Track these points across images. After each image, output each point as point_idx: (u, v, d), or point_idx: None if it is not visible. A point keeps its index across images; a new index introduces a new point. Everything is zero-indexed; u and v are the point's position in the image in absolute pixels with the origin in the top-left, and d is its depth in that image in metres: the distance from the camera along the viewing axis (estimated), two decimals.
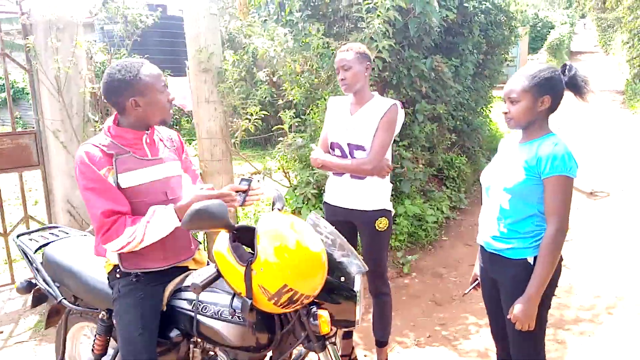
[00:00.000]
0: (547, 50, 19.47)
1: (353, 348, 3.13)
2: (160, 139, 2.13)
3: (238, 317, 1.79)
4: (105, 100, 2.26)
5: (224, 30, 8.88)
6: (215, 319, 1.87)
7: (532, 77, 1.94)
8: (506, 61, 8.08)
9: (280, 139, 4.24)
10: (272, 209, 2.05)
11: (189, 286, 1.90)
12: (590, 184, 7.00)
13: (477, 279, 2.33)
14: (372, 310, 2.93)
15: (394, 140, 4.68)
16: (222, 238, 1.72)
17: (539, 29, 22.90)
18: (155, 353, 1.96)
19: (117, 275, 2.03)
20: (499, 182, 2.04)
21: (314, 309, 1.75)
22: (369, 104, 2.67)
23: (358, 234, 2.86)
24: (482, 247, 2.19)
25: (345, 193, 2.72)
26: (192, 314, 1.91)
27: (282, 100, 4.48)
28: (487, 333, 2.50)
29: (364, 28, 3.93)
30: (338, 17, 4.48)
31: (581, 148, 9.26)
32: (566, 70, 1.98)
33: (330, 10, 4.55)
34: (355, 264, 1.85)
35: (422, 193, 5.44)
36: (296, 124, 4.40)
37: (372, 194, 2.68)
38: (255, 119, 4.11)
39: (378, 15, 3.85)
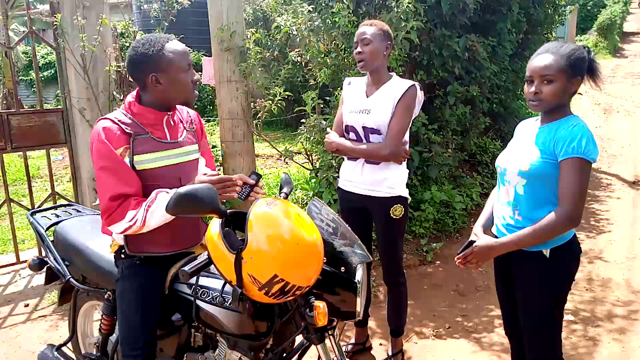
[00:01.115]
0: (596, 30, 18.50)
1: (368, 336, 3.07)
2: (181, 120, 2.06)
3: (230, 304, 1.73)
4: (129, 75, 2.16)
5: (258, 8, 8.82)
6: (213, 304, 1.83)
7: (568, 56, 1.78)
8: (549, 41, 7.68)
9: (303, 120, 4.14)
10: (280, 193, 1.99)
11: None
12: (635, 173, 6.65)
13: (473, 242, 2.02)
14: (387, 299, 2.85)
15: (423, 123, 4.55)
16: (215, 223, 1.66)
17: (589, 8, 21.77)
18: (154, 336, 1.94)
19: (122, 256, 2.01)
20: (514, 165, 1.91)
21: (312, 299, 1.68)
22: (386, 85, 2.53)
23: (373, 222, 2.76)
24: (496, 236, 2.06)
25: (359, 178, 2.61)
26: (192, 298, 1.87)
27: (314, 81, 4.37)
28: None
29: (393, 7, 3.77)
30: None
31: (628, 135, 8.81)
32: (585, 53, 1.83)
33: None
34: (358, 254, 1.75)
35: (451, 179, 5.25)
36: (321, 105, 4.30)
37: (387, 180, 2.56)
38: (279, 99, 4.03)
39: None
